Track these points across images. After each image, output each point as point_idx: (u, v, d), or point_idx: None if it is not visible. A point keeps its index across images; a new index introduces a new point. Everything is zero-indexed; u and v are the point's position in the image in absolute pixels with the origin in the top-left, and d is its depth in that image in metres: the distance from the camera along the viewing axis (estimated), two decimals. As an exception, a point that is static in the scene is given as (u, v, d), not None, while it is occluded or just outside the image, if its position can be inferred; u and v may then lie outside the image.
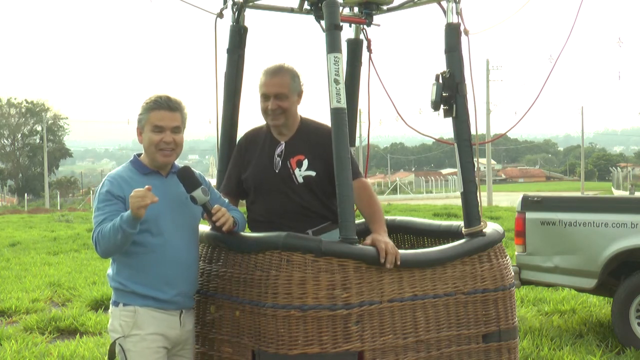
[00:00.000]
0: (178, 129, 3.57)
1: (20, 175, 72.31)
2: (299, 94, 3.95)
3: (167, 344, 3.58)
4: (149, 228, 3.49)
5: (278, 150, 3.96)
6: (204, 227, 3.87)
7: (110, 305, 3.63)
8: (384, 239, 3.65)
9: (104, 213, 3.46)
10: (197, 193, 3.52)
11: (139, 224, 3.42)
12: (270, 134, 4.02)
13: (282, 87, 3.86)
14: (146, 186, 3.39)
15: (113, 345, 3.54)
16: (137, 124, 3.61)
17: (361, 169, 4.11)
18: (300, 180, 3.89)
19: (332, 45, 3.71)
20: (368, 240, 3.68)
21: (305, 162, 3.91)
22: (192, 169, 3.70)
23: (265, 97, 3.88)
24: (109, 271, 3.63)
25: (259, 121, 4.04)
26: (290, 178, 3.90)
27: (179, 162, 3.70)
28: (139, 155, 3.67)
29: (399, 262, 3.63)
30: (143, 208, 3.32)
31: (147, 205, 3.34)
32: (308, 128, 3.99)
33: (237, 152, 4.12)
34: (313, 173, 3.90)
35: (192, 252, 3.66)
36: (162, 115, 3.53)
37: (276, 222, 3.85)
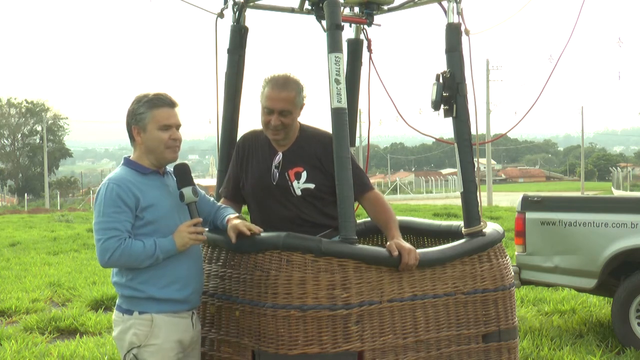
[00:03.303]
0: (180, 126, 3.54)
1: (20, 175, 72.31)
2: (302, 107, 3.87)
3: (182, 350, 3.54)
4: (159, 228, 3.43)
5: (276, 161, 3.90)
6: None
7: (117, 313, 3.52)
8: (407, 245, 3.66)
9: (114, 220, 3.35)
10: (187, 190, 3.48)
11: (150, 224, 3.41)
12: (268, 142, 3.95)
13: (287, 103, 3.76)
14: (196, 219, 3.44)
15: (127, 356, 3.44)
16: (134, 123, 3.48)
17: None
18: (299, 192, 3.85)
19: (333, 45, 3.71)
20: (392, 244, 3.65)
21: (304, 175, 3.86)
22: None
23: (268, 110, 3.79)
24: (118, 279, 3.49)
25: (260, 121, 4.02)
26: (288, 190, 3.86)
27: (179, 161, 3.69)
28: (128, 157, 3.57)
29: (414, 268, 3.67)
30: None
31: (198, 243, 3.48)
32: (306, 137, 3.92)
33: (235, 155, 4.08)
34: (312, 186, 3.85)
35: (198, 249, 3.66)
36: (168, 113, 3.48)
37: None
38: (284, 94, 3.76)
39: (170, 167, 3.62)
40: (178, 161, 3.64)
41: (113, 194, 3.38)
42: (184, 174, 3.52)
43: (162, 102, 3.48)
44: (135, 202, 3.40)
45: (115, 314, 3.55)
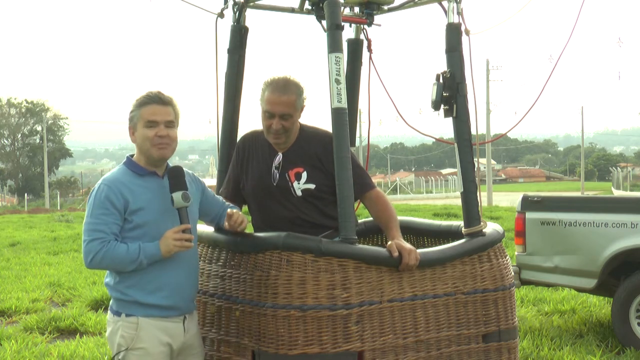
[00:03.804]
0: (172, 124, 3.45)
1: (20, 175, 72.32)
2: (302, 109, 3.87)
3: (172, 355, 3.50)
4: (148, 232, 3.38)
5: (276, 162, 3.90)
6: (203, 227, 3.87)
7: (109, 313, 3.51)
8: (407, 246, 3.66)
9: (101, 222, 3.32)
10: (177, 195, 3.40)
11: (139, 228, 3.37)
12: (268, 142, 3.94)
13: (288, 106, 3.75)
14: (184, 225, 3.38)
15: (115, 358, 3.43)
16: (129, 123, 3.48)
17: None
18: (299, 193, 3.85)
19: (334, 45, 3.71)
20: (392, 244, 3.65)
21: (304, 175, 3.85)
22: (190, 171, 3.65)
23: (269, 115, 3.78)
24: (108, 280, 3.48)
25: (260, 122, 4.03)
26: (289, 191, 3.86)
27: (179, 163, 3.65)
28: (132, 156, 3.54)
29: (414, 268, 3.68)
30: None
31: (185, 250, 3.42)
32: (306, 137, 3.91)
33: (235, 156, 4.07)
34: (312, 186, 3.85)
35: (194, 254, 3.59)
36: (155, 110, 3.42)
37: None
38: (285, 98, 3.75)
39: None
40: (178, 162, 3.61)
41: (102, 195, 3.36)
42: (176, 178, 3.45)
43: (150, 99, 3.44)
44: (125, 205, 3.36)
45: (108, 314, 3.54)
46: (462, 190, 4.11)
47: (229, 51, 4.33)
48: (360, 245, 3.67)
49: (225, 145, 4.31)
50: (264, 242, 3.59)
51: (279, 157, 3.90)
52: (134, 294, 3.40)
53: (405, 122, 4.81)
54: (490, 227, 4.15)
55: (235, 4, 4.30)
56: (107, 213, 3.33)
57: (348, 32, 4.60)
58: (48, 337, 7.50)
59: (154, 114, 3.42)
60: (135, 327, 3.40)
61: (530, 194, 7.64)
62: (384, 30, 4.55)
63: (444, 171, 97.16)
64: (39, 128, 72.14)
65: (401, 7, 4.46)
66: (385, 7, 4.44)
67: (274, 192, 3.88)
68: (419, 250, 3.71)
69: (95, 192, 3.40)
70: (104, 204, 3.34)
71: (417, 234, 4.63)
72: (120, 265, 3.34)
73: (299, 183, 3.85)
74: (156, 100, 3.44)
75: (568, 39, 4.61)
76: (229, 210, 3.62)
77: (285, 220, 3.84)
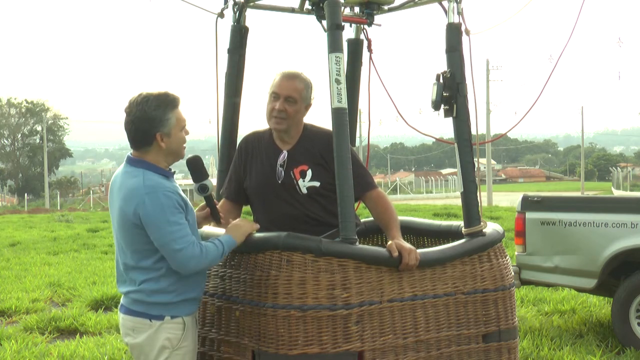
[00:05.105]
0: None
1: (20, 175, 72.31)
2: (307, 106, 3.90)
3: None
4: (194, 230, 3.44)
5: (280, 160, 3.92)
6: (204, 228, 3.86)
7: (142, 320, 3.41)
8: (407, 246, 3.66)
9: (185, 227, 3.29)
10: (209, 182, 3.50)
11: (191, 226, 3.40)
12: (272, 141, 3.97)
13: (294, 91, 3.82)
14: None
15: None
16: (160, 129, 3.30)
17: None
18: (304, 190, 3.87)
19: (334, 45, 3.71)
20: (392, 244, 3.65)
21: (309, 173, 3.88)
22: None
23: (275, 96, 3.83)
24: (147, 286, 3.37)
25: (260, 121, 4.03)
26: (294, 188, 3.88)
27: (180, 163, 3.67)
28: (141, 159, 3.39)
29: (414, 268, 3.68)
30: None
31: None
32: (310, 136, 3.94)
33: (237, 156, 4.08)
34: (317, 183, 3.87)
35: None
36: (181, 112, 3.40)
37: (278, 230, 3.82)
38: (292, 83, 3.83)
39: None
40: (178, 162, 3.61)
41: (173, 201, 3.28)
42: (201, 167, 3.52)
43: (176, 101, 3.37)
44: (185, 206, 3.35)
45: (137, 321, 3.42)
46: (462, 190, 4.11)
47: (229, 51, 4.33)
48: (360, 245, 3.66)
49: (225, 145, 4.32)
50: (264, 242, 3.59)
51: (284, 155, 3.92)
52: (186, 293, 3.42)
53: (405, 122, 4.81)
54: (490, 227, 4.15)
55: (235, 4, 4.30)
56: (183, 217, 3.32)
57: (348, 32, 4.61)
58: (48, 337, 7.50)
59: (183, 117, 3.41)
60: (182, 327, 3.44)
61: (530, 194, 7.65)
62: (384, 30, 4.56)
63: (444, 171, 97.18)
64: (39, 128, 72.11)
65: (401, 7, 4.46)
66: (385, 7, 4.44)
67: (279, 189, 3.89)
68: (419, 250, 3.71)
69: (163, 199, 3.26)
70: (177, 209, 3.29)
71: (417, 234, 4.63)
72: (212, 263, 3.42)
73: (304, 181, 3.87)
74: (179, 101, 3.40)
75: (568, 39, 4.61)
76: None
77: (291, 217, 3.85)
